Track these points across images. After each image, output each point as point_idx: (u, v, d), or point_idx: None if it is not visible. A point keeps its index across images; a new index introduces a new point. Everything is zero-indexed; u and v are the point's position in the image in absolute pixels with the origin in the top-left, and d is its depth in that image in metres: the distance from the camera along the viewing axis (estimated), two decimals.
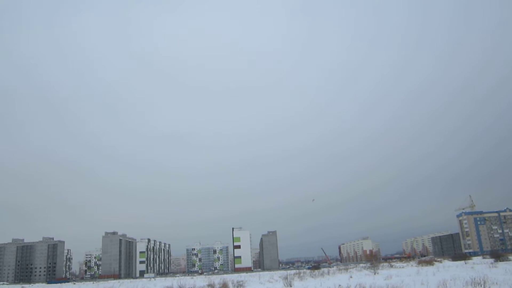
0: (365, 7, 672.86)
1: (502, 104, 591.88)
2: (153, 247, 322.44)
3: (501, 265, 67.43)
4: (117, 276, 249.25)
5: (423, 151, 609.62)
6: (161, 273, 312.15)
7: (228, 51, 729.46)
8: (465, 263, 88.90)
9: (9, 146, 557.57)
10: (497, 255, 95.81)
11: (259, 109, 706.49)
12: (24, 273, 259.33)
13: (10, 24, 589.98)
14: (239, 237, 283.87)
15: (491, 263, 76.03)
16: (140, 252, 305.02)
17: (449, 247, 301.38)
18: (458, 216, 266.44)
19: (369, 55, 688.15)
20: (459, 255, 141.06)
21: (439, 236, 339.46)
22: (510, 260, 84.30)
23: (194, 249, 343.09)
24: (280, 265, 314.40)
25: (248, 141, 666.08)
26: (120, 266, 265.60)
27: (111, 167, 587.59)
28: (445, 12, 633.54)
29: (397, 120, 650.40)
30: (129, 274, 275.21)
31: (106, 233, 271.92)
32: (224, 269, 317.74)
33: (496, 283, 32.48)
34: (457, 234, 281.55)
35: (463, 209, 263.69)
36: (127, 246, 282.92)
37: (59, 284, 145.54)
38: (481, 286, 29.29)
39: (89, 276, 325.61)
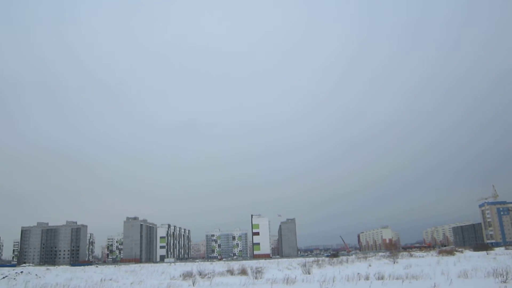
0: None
1: None
2: (173, 233, 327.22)
3: None
4: (138, 260, 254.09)
5: (437, 138, 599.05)
6: (180, 258, 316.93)
7: (240, 38, 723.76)
8: (487, 254, 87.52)
9: (26, 136, 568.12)
10: None
11: (272, 97, 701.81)
12: (49, 255, 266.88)
13: (16, 16, 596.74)
14: (258, 224, 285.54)
15: None
16: (161, 237, 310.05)
17: (471, 237, 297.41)
18: (480, 206, 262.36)
19: (380, 35, 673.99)
20: (481, 246, 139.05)
21: (461, 226, 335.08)
22: None
23: (214, 235, 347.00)
24: (299, 252, 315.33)
25: (264, 129, 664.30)
26: (141, 251, 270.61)
27: (130, 159, 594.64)
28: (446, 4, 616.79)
29: (414, 99, 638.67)
30: (149, 258, 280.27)
31: (128, 218, 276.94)
32: (243, 256, 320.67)
33: None
34: (479, 224, 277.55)
35: (486, 199, 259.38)
36: (147, 231, 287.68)
37: (82, 267, 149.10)
38: (503, 277, 28.77)
39: (111, 259, 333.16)
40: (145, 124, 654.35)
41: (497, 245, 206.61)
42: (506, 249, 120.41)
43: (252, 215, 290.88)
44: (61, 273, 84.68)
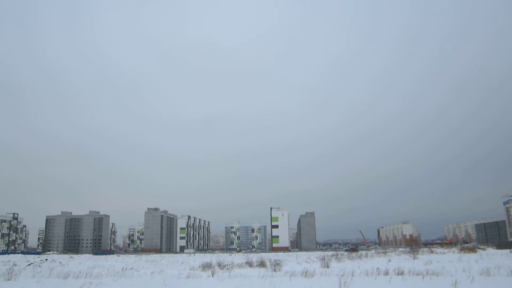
0: None
1: None
2: (193, 224, 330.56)
3: None
4: (159, 251, 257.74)
5: (474, 134, 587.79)
6: (200, 249, 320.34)
7: (247, 36, 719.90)
8: (511, 252, 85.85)
9: (63, 121, 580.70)
10: None
11: (284, 93, 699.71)
12: (72, 244, 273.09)
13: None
14: (277, 217, 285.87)
15: None
16: (181, 228, 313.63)
17: (494, 235, 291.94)
18: (505, 203, 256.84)
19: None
20: (505, 243, 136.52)
21: (484, 223, 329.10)
22: None
23: (233, 227, 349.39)
24: (318, 246, 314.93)
25: (282, 124, 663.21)
26: (161, 241, 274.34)
27: (149, 158, 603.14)
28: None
29: (427, 89, 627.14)
30: (169, 249, 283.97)
31: (149, 209, 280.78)
32: (261, 248, 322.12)
33: None
34: (503, 221, 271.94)
35: (511, 196, 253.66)
36: (168, 222, 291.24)
37: (104, 256, 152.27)
38: None
39: (132, 249, 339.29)
40: (160, 123, 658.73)
41: None
42: None
43: (271, 208, 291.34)
44: (84, 261, 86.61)
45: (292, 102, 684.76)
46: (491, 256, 68.66)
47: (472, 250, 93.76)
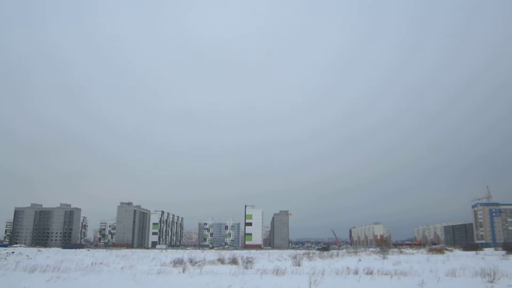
0: None
1: None
2: (166, 220, 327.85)
3: None
4: (130, 246, 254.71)
5: (439, 137, 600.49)
6: (172, 245, 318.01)
7: (244, 30, 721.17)
8: (476, 254, 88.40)
9: (25, 116, 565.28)
10: (510, 248, 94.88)
11: (271, 90, 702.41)
12: (41, 237, 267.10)
13: (34, 5, 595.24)
14: (251, 215, 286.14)
15: (503, 255, 75.41)
16: (153, 224, 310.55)
17: (461, 237, 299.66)
18: (473, 206, 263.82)
19: (373, 41, 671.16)
20: (471, 245, 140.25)
21: (452, 225, 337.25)
22: None
23: (206, 223, 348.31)
24: (290, 244, 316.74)
25: (264, 121, 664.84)
26: (133, 236, 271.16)
27: (128, 145, 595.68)
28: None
29: (411, 104, 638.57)
30: (141, 244, 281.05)
31: (122, 203, 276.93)
32: (234, 245, 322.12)
33: (506, 275, 32.22)
34: (471, 224, 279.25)
35: (479, 199, 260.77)
36: (141, 217, 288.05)
37: (73, 250, 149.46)
38: (490, 277, 29.07)
39: (103, 244, 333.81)
40: (145, 109, 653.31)
41: (487, 245, 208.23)
42: (496, 250, 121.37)
43: (246, 205, 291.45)
44: (53, 255, 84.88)
45: (279, 101, 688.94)
46: (458, 257, 70.50)
47: (440, 251, 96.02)
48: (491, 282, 27.84)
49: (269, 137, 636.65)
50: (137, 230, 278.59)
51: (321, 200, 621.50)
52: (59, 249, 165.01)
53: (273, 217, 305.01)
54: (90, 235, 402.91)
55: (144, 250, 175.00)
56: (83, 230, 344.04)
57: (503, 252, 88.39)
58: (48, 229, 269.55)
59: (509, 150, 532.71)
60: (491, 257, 68.96)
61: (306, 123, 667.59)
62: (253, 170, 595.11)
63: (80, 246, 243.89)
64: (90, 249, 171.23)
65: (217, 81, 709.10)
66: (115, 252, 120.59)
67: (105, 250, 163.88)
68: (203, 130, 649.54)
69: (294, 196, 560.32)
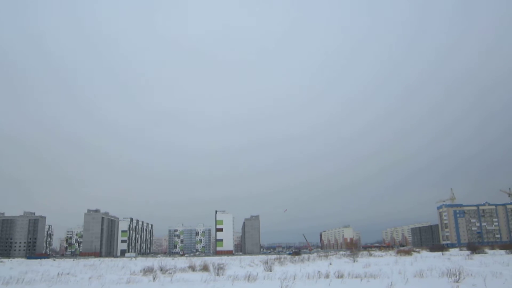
0: None
1: (495, 104, 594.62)
2: (136, 227, 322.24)
3: (477, 257, 68.90)
4: (98, 254, 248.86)
5: (410, 146, 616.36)
6: (142, 253, 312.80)
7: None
8: (442, 254, 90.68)
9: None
10: (474, 248, 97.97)
11: (252, 92, 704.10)
12: (3, 247, 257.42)
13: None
14: (222, 220, 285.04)
15: (467, 255, 77.64)
16: (122, 231, 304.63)
17: (428, 238, 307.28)
18: (438, 208, 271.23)
19: (369, 39, 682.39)
20: (437, 246, 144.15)
21: (419, 227, 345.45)
22: (486, 253, 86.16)
23: (177, 230, 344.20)
24: (262, 249, 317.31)
25: (235, 125, 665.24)
26: (101, 244, 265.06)
27: (99, 143, 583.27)
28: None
29: (387, 116, 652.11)
30: (110, 252, 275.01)
31: (89, 210, 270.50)
32: (205, 252, 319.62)
33: (471, 274, 33.17)
34: (436, 225, 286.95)
35: (444, 201, 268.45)
36: (109, 224, 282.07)
37: (38, 260, 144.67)
38: (456, 277, 29.86)
39: (70, 253, 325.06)
40: (133, 107, 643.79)
41: (452, 246, 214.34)
42: (460, 250, 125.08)
43: (216, 211, 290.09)
44: (16, 266, 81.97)
45: (249, 107, 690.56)
46: (425, 258, 72.12)
47: (408, 253, 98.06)
48: (457, 282, 28.58)
49: (241, 142, 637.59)
50: (105, 238, 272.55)
51: (292, 206, 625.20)
52: (23, 259, 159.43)
53: (244, 222, 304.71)
54: (56, 244, 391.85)
55: (113, 258, 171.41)
56: (49, 239, 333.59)
57: (468, 252, 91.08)
58: (11, 239, 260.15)
59: (470, 151, 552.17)
60: (456, 257, 70.91)
61: (279, 129, 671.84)
62: (224, 174, 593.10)
63: (45, 256, 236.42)
64: (56, 259, 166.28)
65: (201, 82, 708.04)
66: (83, 261, 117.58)
67: (72, 259, 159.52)
68: (166, 135, 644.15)
69: (265, 201, 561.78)
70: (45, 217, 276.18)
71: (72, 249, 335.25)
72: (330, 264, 60.83)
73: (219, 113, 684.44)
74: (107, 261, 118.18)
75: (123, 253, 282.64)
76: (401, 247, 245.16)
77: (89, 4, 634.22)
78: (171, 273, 46.59)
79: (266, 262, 58.23)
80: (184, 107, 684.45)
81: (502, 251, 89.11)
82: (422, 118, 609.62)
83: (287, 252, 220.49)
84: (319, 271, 40.38)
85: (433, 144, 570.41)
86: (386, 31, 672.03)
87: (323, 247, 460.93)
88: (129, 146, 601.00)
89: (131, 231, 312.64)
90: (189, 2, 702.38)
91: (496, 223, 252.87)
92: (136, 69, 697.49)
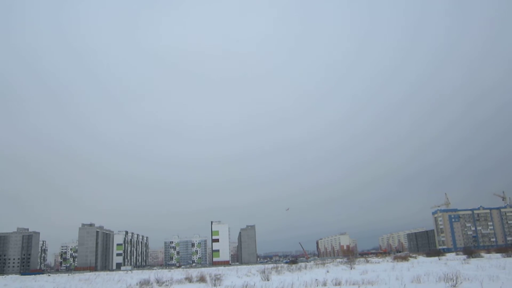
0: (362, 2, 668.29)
1: (489, 109, 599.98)
2: (131, 240, 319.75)
3: (473, 261, 69.10)
4: (93, 268, 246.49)
5: (404, 153, 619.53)
6: (138, 266, 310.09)
7: (225, 42, 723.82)
8: (439, 259, 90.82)
9: None
10: (470, 252, 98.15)
11: (245, 103, 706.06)
12: None
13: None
14: (218, 231, 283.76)
15: (464, 260, 77.82)
16: (117, 245, 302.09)
17: (424, 244, 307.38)
18: (433, 213, 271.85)
19: (363, 52, 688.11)
20: (433, 251, 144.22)
21: (415, 233, 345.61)
22: (482, 257, 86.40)
23: (172, 242, 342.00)
24: (258, 259, 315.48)
25: (228, 136, 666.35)
26: (96, 258, 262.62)
27: (92, 157, 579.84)
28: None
29: (381, 125, 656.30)
30: (105, 266, 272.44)
31: (83, 225, 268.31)
32: (202, 263, 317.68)
33: (468, 279, 33.28)
34: (432, 230, 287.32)
35: (439, 206, 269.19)
36: (104, 238, 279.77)
37: (33, 276, 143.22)
38: (453, 281, 29.94)
39: (65, 268, 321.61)
40: (122, 119, 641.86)
41: (449, 250, 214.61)
42: (457, 254, 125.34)
43: (212, 222, 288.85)
44: (10, 282, 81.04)
45: (241, 118, 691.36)
46: (422, 263, 72.18)
47: (404, 258, 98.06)
48: (454, 286, 28.67)
49: (235, 152, 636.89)
50: (100, 252, 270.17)
51: (287, 214, 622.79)
52: (17, 276, 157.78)
53: (240, 232, 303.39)
54: (51, 259, 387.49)
55: (108, 272, 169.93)
56: (43, 254, 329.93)
57: (464, 256, 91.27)
58: (4, 255, 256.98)
59: (464, 157, 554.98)
60: (453, 262, 71.04)
61: (273, 139, 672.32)
62: (219, 183, 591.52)
63: (40, 271, 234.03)
64: (51, 274, 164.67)
65: (194, 94, 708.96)
66: (78, 276, 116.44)
67: (67, 274, 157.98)
68: (160, 148, 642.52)
69: (261, 210, 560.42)
70: (38, 233, 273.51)
71: (67, 264, 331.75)
72: (327, 271, 60.67)
73: (212, 124, 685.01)
74: (103, 275, 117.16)
75: (118, 266, 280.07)
76: (397, 253, 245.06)
77: (81, 18, 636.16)
78: (167, 285, 46.30)
79: (263, 272, 58.00)
80: (178, 118, 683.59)
81: (498, 255, 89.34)
82: (415, 126, 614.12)
83: (284, 260, 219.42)
84: (316, 279, 40.30)
85: (427, 150, 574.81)
86: (377, 47, 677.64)
87: (320, 255, 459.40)
88: (123, 159, 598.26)
89: (126, 244, 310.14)
90: (191, 12, 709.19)
91: (491, 227, 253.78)
92: (129, 82, 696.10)
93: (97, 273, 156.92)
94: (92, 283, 65.22)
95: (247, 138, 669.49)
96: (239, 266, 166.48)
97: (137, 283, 52.27)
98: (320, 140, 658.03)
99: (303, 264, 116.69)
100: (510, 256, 76.80)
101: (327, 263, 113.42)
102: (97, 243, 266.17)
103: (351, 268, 66.23)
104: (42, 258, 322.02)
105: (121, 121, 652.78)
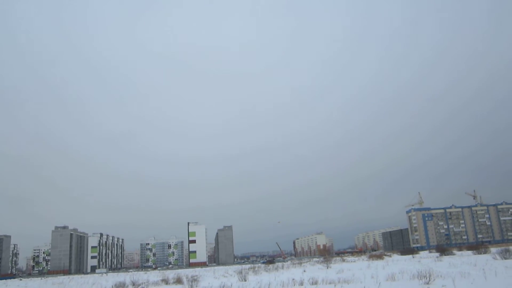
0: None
1: (452, 105, 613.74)
2: (106, 242, 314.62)
3: (446, 259, 70.60)
4: (67, 272, 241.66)
5: (372, 148, 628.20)
6: (113, 269, 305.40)
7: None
8: (413, 257, 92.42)
9: None
10: (442, 250, 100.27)
11: (221, 102, 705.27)
12: None
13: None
14: (195, 232, 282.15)
15: (437, 257, 79.45)
16: (92, 247, 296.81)
17: (399, 242, 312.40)
18: (407, 212, 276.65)
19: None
20: (407, 250, 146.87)
21: (389, 232, 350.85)
22: (454, 254, 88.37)
23: (149, 243, 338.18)
24: (235, 259, 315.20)
25: (206, 136, 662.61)
26: (70, 262, 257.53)
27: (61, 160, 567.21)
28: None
29: (364, 131, 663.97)
30: (79, 269, 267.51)
31: (56, 228, 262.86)
32: (178, 264, 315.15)
33: (440, 276, 34.00)
34: (406, 229, 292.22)
35: (413, 205, 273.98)
36: (78, 240, 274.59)
37: (4, 281, 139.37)
38: (426, 278, 30.55)
39: (37, 271, 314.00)
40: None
41: (422, 248, 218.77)
42: (430, 252, 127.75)
43: (188, 223, 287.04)
44: None
45: (223, 118, 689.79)
46: (396, 262, 73.38)
47: (379, 257, 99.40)
48: (427, 283, 29.24)
49: (212, 152, 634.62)
50: (74, 255, 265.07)
51: (264, 214, 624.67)
52: None
53: (217, 233, 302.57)
54: (22, 263, 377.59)
55: (82, 275, 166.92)
56: (14, 258, 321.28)
57: (437, 254, 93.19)
58: None
59: (441, 159, 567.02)
60: (426, 260, 72.44)
61: (251, 141, 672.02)
62: (195, 184, 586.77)
63: (11, 276, 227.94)
64: (22, 279, 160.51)
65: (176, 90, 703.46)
66: (51, 280, 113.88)
67: (39, 278, 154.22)
68: (133, 149, 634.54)
69: (238, 211, 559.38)
70: (9, 236, 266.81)
71: (40, 267, 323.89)
72: (304, 271, 61.05)
73: (190, 124, 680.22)
74: (77, 278, 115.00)
75: (93, 269, 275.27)
76: (372, 251, 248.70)
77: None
78: (143, 287, 45.80)
79: (240, 272, 58.00)
80: (154, 115, 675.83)
81: (469, 252, 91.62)
82: (394, 134, 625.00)
83: (261, 261, 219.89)
84: (293, 279, 40.52)
85: (406, 155, 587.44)
86: (372, 45, 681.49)
87: (297, 254, 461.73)
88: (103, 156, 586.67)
89: (101, 247, 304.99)
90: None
91: (463, 225, 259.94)
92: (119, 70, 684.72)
93: (71, 276, 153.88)
94: (66, 286, 63.96)
95: (226, 139, 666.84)
96: (216, 267, 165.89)
97: (112, 286, 51.53)
98: (298, 145, 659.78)
99: (280, 264, 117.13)
100: (480, 254, 78.76)
101: (304, 262, 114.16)
102: (71, 246, 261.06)
103: (327, 267, 66.80)
104: (13, 262, 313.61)
105: (80, 132, 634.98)
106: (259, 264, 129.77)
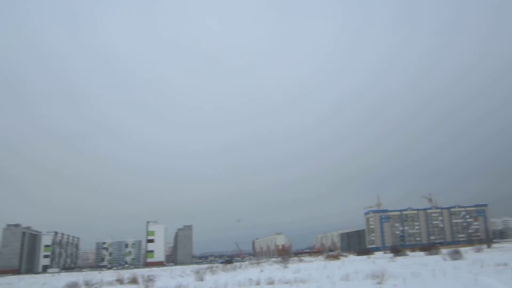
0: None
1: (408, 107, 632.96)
2: (60, 241, 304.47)
3: (399, 259, 72.56)
4: (16, 272, 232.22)
5: (341, 154, 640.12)
6: (67, 268, 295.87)
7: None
8: (368, 258, 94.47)
9: None
10: (396, 250, 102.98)
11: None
12: None
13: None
14: (154, 231, 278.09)
15: (391, 258, 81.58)
16: (45, 246, 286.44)
17: (355, 243, 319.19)
18: (366, 213, 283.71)
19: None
20: (363, 250, 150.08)
21: (347, 233, 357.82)
22: (407, 255, 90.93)
23: (105, 243, 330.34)
24: (194, 259, 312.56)
25: (169, 137, 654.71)
26: (21, 261, 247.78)
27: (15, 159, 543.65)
28: None
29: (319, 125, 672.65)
30: (30, 269, 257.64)
31: (8, 225, 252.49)
32: (135, 264, 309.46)
33: (393, 276, 34.86)
34: (363, 230, 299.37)
35: (371, 207, 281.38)
36: (30, 239, 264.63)
37: None
38: (379, 278, 31.25)
39: None
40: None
41: (378, 249, 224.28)
42: (385, 253, 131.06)
43: (148, 222, 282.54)
44: None
45: (188, 114, 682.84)
46: (352, 262, 74.80)
47: (336, 257, 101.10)
48: (380, 283, 29.90)
49: (174, 150, 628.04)
50: (25, 254, 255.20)
51: (224, 214, 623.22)
52: None
53: (177, 232, 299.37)
54: None
55: (33, 275, 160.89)
56: None
57: (391, 255, 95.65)
58: None
59: (395, 161, 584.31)
60: (380, 260, 74.19)
61: (212, 139, 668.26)
62: (155, 184, 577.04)
63: None
64: None
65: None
66: None
67: None
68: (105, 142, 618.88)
69: (198, 210, 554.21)
70: None
71: None
72: (262, 271, 61.19)
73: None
74: (27, 278, 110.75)
75: (45, 269, 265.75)
76: (330, 252, 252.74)
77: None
78: None
79: (198, 272, 57.57)
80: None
81: (422, 253, 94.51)
82: (351, 130, 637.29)
83: (219, 260, 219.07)
84: (250, 279, 40.54)
85: (363, 154, 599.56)
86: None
87: (256, 254, 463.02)
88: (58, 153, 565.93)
89: (55, 246, 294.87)
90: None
91: (418, 227, 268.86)
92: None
93: (21, 276, 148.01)
94: (14, 287, 61.39)
95: (189, 137, 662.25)
96: (173, 267, 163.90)
97: (64, 286, 49.88)
98: (266, 146, 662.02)
99: (238, 264, 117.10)
100: (432, 254, 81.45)
101: (262, 262, 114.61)
102: (22, 245, 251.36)
103: (284, 267, 67.26)
104: None
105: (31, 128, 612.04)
106: (217, 264, 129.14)
